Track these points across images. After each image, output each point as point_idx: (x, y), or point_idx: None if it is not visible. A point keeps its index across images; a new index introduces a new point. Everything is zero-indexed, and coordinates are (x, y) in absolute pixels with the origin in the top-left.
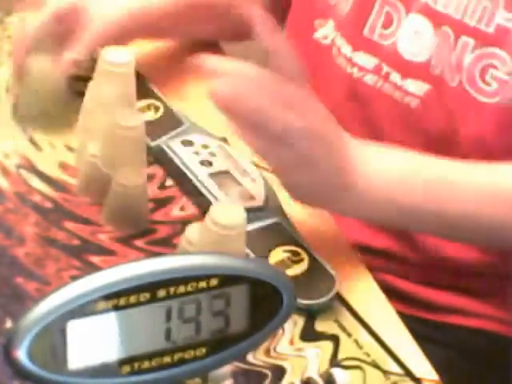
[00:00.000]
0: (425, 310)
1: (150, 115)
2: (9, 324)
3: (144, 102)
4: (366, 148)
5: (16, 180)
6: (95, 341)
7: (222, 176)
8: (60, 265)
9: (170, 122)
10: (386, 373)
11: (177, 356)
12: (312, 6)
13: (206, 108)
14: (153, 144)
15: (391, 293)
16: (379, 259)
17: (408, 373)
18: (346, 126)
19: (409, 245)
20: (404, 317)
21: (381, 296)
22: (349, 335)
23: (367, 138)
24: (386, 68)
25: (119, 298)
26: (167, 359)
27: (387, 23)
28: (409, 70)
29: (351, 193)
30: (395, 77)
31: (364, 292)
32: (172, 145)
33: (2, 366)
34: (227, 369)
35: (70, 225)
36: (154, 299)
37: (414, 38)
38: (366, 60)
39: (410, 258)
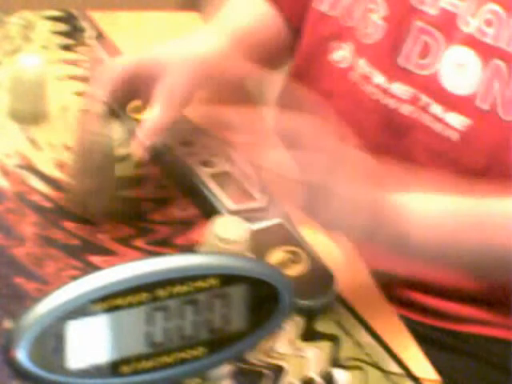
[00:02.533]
0: (436, 319)
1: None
2: (8, 324)
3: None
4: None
5: (16, 180)
6: (94, 341)
7: (222, 176)
8: (60, 265)
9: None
10: (386, 373)
11: (176, 356)
12: (325, 26)
13: (206, 108)
14: (152, 144)
15: (404, 302)
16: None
17: (408, 373)
18: (377, 158)
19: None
20: (415, 324)
21: (381, 296)
22: (349, 335)
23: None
24: (424, 98)
25: (118, 298)
26: (166, 359)
27: (424, 53)
28: (451, 102)
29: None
30: (436, 108)
31: (364, 292)
32: (172, 145)
33: (1, 366)
34: (226, 369)
35: (69, 225)
36: (153, 299)
37: (458, 70)
38: (402, 90)
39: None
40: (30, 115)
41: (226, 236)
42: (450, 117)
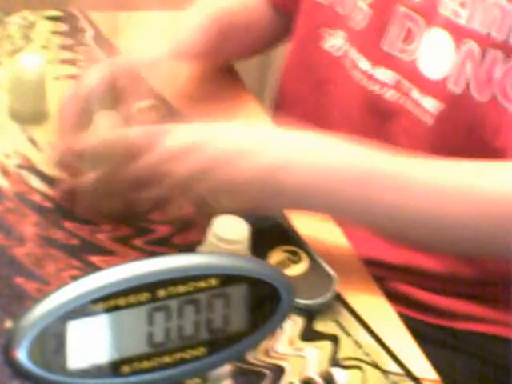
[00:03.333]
0: (434, 316)
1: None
2: (9, 324)
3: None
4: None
5: (16, 180)
6: (95, 341)
7: None
8: (60, 265)
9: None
10: (385, 373)
11: (176, 356)
12: (318, 14)
13: (206, 108)
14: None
15: (401, 299)
16: (393, 272)
17: (408, 373)
18: (364, 140)
19: (422, 257)
20: (414, 321)
21: (381, 296)
22: (348, 335)
23: None
24: (407, 84)
25: (119, 298)
26: (167, 359)
27: (407, 38)
28: (427, 87)
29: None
30: (415, 93)
31: (364, 292)
32: None
33: (1, 366)
34: (227, 369)
35: (69, 225)
36: (153, 299)
37: (434, 53)
38: (387, 75)
39: (424, 269)
40: (30, 115)
41: (226, 236)
42: (426, 101)
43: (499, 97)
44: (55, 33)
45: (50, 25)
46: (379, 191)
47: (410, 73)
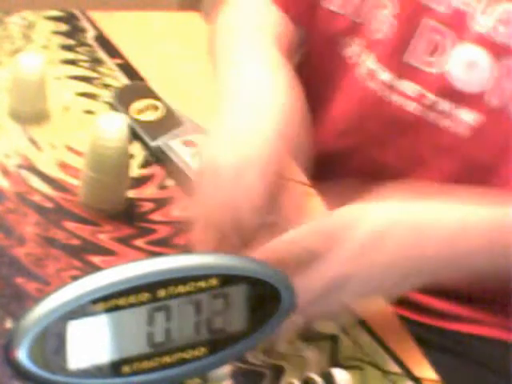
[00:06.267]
0: (431, 318)
1: (150, 115)
2: (9, 324)
3: (144, 102)
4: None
5: (16, 180)
6: (95, 341)
7: None
8: (60, 265)
9: (170, 121)
10: (385, 372)
11: (176, 356)
12: (334, 23)
13: (206, 107)
14: (153, 144)
15: (399, 301)
16: None
17: (407, 373)
18: (382, 154)
19: None
20: (411, 323)
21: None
22: (348, 335)
23: (405, 165)
24: (430, 96)
25: (119, 298)
26: (167, 359)
27: (432, 50)
28: (460, 99)
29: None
30: (443, 105)
31: None
32: (172, 145)
33: (2, 366)
34: (227, 369)
35: (69, 225)
36: (153, 299)
37: (468, 68)
38: (407, 87)
39: None
40: (31, 115)
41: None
42: (460, 113)
43: None
44: (56, 33)
45: (51, 25)
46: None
47: (437, 85)
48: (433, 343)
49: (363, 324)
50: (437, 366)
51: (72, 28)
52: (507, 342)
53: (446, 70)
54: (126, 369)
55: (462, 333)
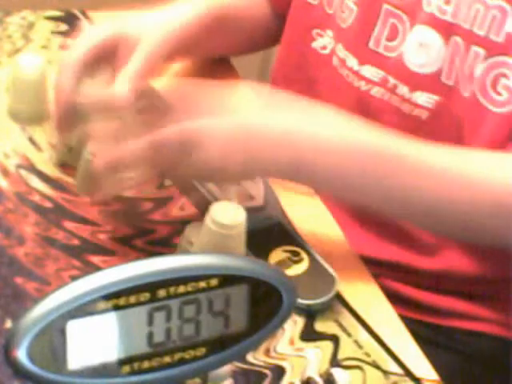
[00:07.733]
0: (428, 314)
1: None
2: (9, 324)
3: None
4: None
5: (16, 180)
6: (95, 341)
7: None
8: (60, 265)
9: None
10: (385, 373)
11: (177, 356)
12: (309, 14)
13: None
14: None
15: (395, 298)
16: (385, 269)
17: (408, 373)
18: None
19: (416, 255)
20: (408, 320)
21: (381, 296)
22: (349, 335)
23: None
24: (392, 80)
25: (119, 298)
26: (167, 359)
27: (392, 35)
28: (417, 82)
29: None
30: (402, 89)
31: (364, 292)
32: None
33: (1, 366)
34: (227, 369)
35: (69, 225)
36: (153, 299)
37: (421, 49)
38: (372, 73)
39: (417, 267)
40: (30, 115)
41: (223, 221)
42: (417, 96)
43: (479, 95)
44: (55, 33)
45: (50, 25)
46: (393, 170)
47: (396, 69)
48: (425, 339)
49: (363, 324)
50: (438, 363)
51: (72, 28)
52: (507, 339)
53: (401, 53)
54: (125, 369)
55: (463, 330)
